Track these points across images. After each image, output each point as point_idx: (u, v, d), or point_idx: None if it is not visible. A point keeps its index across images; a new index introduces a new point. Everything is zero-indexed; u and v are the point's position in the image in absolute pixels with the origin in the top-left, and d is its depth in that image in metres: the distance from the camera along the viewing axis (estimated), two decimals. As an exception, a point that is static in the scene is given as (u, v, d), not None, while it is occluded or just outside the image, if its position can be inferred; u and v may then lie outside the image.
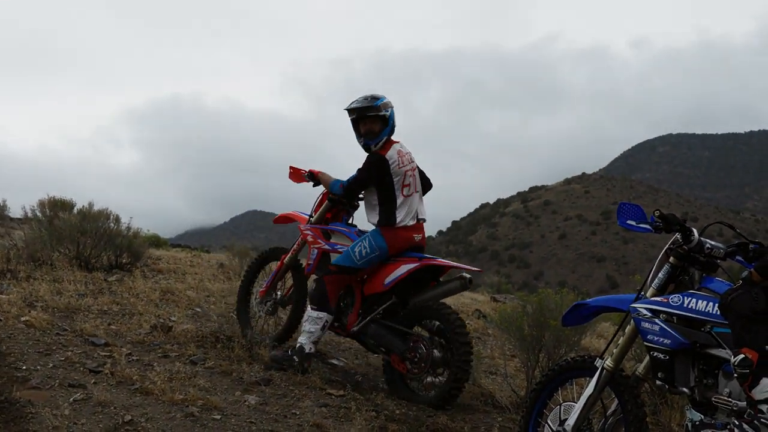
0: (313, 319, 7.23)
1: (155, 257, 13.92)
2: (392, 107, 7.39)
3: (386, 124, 7.34)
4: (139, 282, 10.47)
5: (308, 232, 7.89)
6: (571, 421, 4.87)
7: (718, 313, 4.38)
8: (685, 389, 4.50)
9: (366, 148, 7.42)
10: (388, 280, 7.17)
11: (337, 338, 9.10)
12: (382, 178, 7.20)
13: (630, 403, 4.73)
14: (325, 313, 7.24)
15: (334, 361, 8.00)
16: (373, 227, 7.33)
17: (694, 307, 4.54)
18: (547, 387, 5.19)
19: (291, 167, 8.18)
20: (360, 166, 7.35)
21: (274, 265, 8.44)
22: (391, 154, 7.25)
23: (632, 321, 4.79)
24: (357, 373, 7.73)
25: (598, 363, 4.88)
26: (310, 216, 8.05)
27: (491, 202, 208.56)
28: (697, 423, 4.41)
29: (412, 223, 7.32)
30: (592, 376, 4.90)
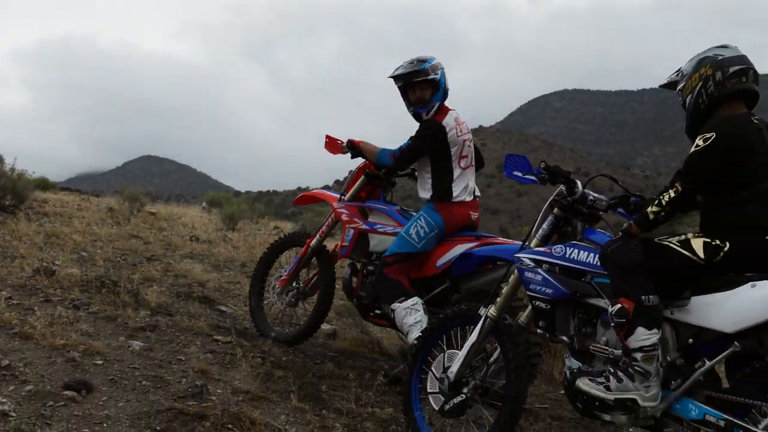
0: (408, 310, 6.21)
1: (41, 200, 13.59)
2: (442, 68, 6.63)
3: (437, 88, 6.57)
4: (23, 225, 10.22)
5: (343, 210, 7.02)
6: (454, 369, 4.92)
7: (599, 263, 4.47)
8: (564, 338, 4.59)
9: (416, 117, 6.66)
10: (440, 262, 6.35)
11: (226, 284, 9.05)
12: (438, 147, 6.46)
13: (512, 351, 4.79)
14: (414, 297, 6.28)
15: (223, 308, 7.95)
16: (426, 203, 6.58)
17: (575, 258, 4.62)
18: (432, 335, 5.22)
19: (327, 136, 7.19)
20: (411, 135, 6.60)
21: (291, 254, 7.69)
22: (448, 120, 6.52)
23: (516, 270, 4.85)
24: (245, 319, 7.69)
25: (482, 312, 4.93)
26: (342, 195, 7.15)
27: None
28: (575, 370, 4.50)
29: (468, 198, 6.60)
30: (476, 325, 4.95)
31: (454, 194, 6.47)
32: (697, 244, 4.20)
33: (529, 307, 4.83)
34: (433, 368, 5.09)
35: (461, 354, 4.93)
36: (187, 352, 6.15)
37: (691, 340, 4.19)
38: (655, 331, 4.15)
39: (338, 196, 7.19)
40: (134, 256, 9.69)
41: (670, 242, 4.28)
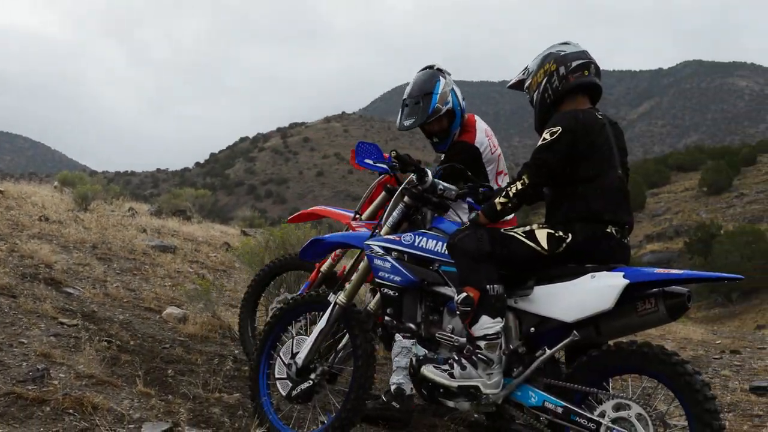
0: (408, 350, 5.40)
1: None
2: (451, 87, 5.91)
3: (453, 115, 5.88)
4: None
5: (363, 230, 5.65)
6: (302, 355, 4.92)
7: (446, 252, 4.54)
8: (411, 325, 4.63)
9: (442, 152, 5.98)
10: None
11: (75, 266, 8.83)
12: (476, 170, 5.60)
13: (360, 338, 4.82)
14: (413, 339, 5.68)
15: (70, 290, 7.73)
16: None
17: (424, 246, 4.68)
18: (281, 321, 5.20)
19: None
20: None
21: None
22: (480, 139, 5.88)
23: (365, 258, 4.88)
24: (93, 302, 7.51)
25: (332, 298, 4.94)
26: (357, 212, 6.26)
27: (251, 137, 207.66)
28: (421, 357, 4.56)
29: (510, 217, 5.42)
30: (325, 311, 4.96)
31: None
32: (542, 235, 4.31)
33: (378, 294, 4.87)
34: (281, 354, 5.08)
35: (309, 340, 4.93)
36: (30, 335, 5.97)
37: (533, 328, 4.29)
38: (498, 319, 4.24)
39: (351, 214, 6.36)
40: (-22, 235, 9.36)
41: (515, 233, 4.38)
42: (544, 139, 4.34)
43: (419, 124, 5.86)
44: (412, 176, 4.87)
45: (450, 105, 5.84)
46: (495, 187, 5.58)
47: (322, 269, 6.33)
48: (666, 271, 4.08)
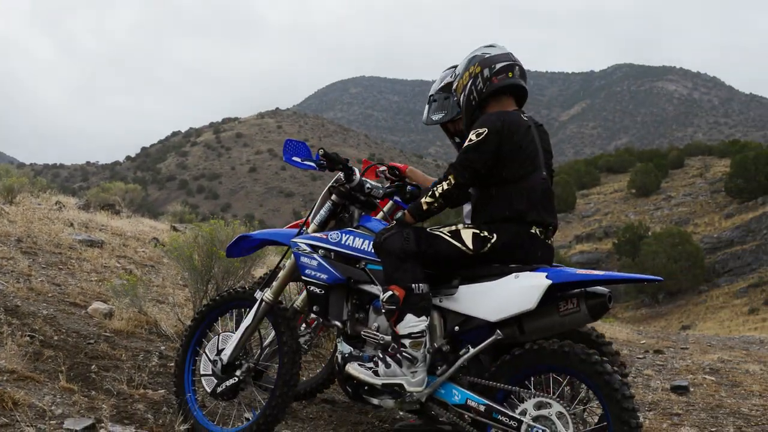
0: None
1: None
2: (464, 84, 5.14)
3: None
4: None
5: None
6: (228, 351, 4.91)
7: (373, 250, 4.58)
8: (337, 323, 4.66)
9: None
10: None
11: (-1, 260, 8.68)
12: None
13: (286, 335, 4.82)
14: None
15: (-7, 285, 7.61)
16: None
17: (350, 244, 4.71)
18: (208, 317, 5.19)
19: (364, 161, 5.96)
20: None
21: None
22: None
23: (292, 255, 4.89)
24: (17, 297, 7.39)
25: (258, 295, 4.94)
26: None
27: (183, 131, 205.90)
28: (347, 355, 4.59)
29: None
30: (252, 308, 4.96)
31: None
32: (467, 235, 4.36)
33: (304, 292, 4.88)
34: (207, 350, 5.06)
35: (235, 337, 4.93)
36: (-52, 331, 5.86)
37: (457, 327, 4.34)
38: (423, 318, 4.28)
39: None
40: None
41: (441, 232, 4.42)
42: (470, 140, 4.40)
43: (450, 119, 5.89)
44: (340, 174, 4.89)
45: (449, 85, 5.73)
46: None
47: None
48: (588, 272, 4.16)
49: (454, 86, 4.81)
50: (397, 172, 5.52)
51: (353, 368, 4.49)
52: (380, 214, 5.69)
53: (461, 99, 4.72)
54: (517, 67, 4.66)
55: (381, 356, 4.41)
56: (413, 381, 4.30)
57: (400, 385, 4.31)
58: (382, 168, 5.75)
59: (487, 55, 4.65)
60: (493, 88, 4.60)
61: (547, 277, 4.08)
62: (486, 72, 4.60)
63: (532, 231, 4.39)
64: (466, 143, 4.43)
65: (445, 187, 4.42)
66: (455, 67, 5.81)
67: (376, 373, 4.39)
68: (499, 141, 4.37)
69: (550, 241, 4.52)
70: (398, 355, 4.32)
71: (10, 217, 11.88)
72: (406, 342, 4.29)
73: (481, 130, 4.39)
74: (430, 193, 4.47)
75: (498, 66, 4.60)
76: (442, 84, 5.92)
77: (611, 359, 4.81)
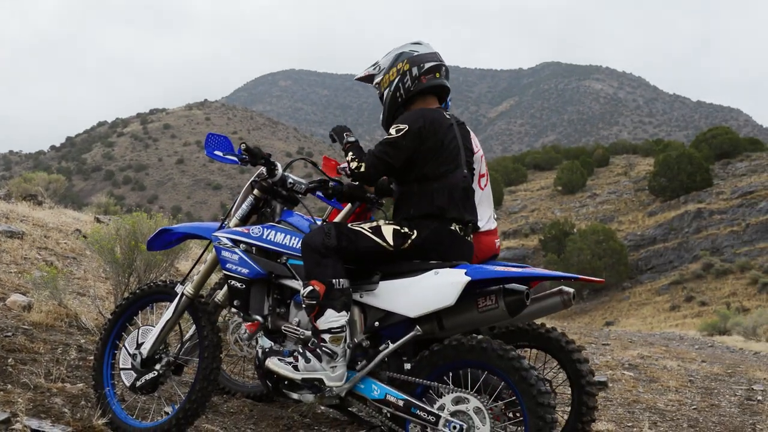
0: None
1: None
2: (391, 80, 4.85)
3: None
4: None
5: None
6: (147, 345, 4.88)
7: (293, 245, 4.59)
8: (258, 317, 4.66)
9: None
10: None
11: None
12: None
13: (206, 329, 4.81)
14: None
15: None
16: None
17: (272, 239, 4.71)
18: (127, 310, 5.15)
19: (324, 157, 5.87)
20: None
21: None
22: None
23: (214, 249, 4.88)
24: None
25: (179, 289, 4.92)
26: (324, 220, 5.28)
27: (109, 121, 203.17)
28: (267, 350, 4.59)
29: (493, 226, 5.56)
30: (172, 301, 4.94)
31: (480, 223, 5.22)
32: (387, 231, 4.40)
33: (226, 286, 4.87)
34: (126, 344, 5.03)
35: (155, 330, 4.90)
36: None
37: (377, 323, 4.37)
38: (344, 313, 4.31)
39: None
40: None
41: (362, 228, 4.45)
42: (390, 134, 4.47)
43: (359, 79, 5.71)
44: (262, 169, 4.89)
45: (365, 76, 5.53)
46: (476, 187, 5.21)
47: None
48: (506, 269, 4.22)
49: (378, 80, 4.84)
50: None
51: (273, 363, 4.50)
52: (339, 216, 5.71)
53: (385, 93, 4.77)
54: (443, 68, 4.75)
55: (301, 351, 4.42)
56: (333, 376, 4.32)
57: (320, 380, 4.33)
58: (343, 165, 5.65)
59: (416, 54, 4.71)
60: (420, 87, 4.67)
61: (466, 273, 4.13)
62: (415, 71, 4.66)
63: (452, 228, 4.45)
64: (385, 136, 4.49)
65: (353, 167, 4.52)
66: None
67: (295, 368, 4.40)
68: (420, 138, 4.43)
69: (469, 238, 4.58)
70: (318, 350, 4.33)
71: (-74, 207, 11.64)
72: (326, 337, 4.31)
73: (401, 127, 4.45)
74: (348, 163, 4.61)
75: (427, 65, 4.67)
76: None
77: (582, 366, 4.92)
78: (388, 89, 4.75)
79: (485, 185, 5.64)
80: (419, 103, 4.69)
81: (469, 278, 4.11)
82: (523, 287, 4.23)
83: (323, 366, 4.32)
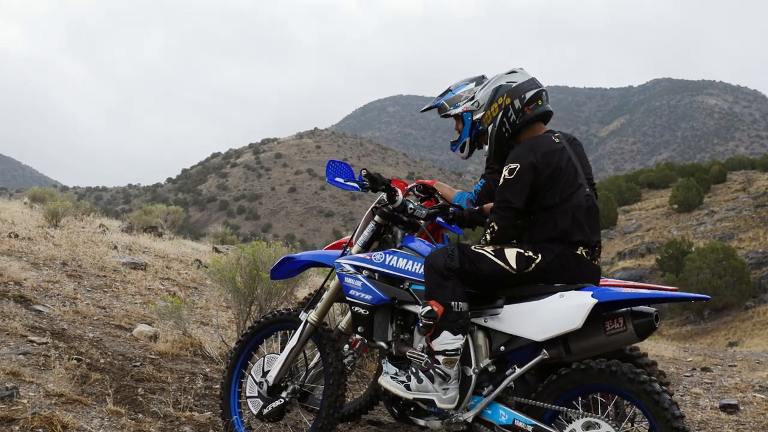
0: None
1: None
2: (470, 99, 5.43)
3: (463, 122, 5.74)
4: None
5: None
6: (273, 373, 4.93)
7: (416, 271, 4.58)
8: (382, 343, 4.66)
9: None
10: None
11: (45, 283, 8.78)
12: None
13: (331, 356, 4.84)
14: None
15: (40, 308, 7.69)
16: None
17: (394, 265, 4.70)
18: (253, 339, 5.22)
19: (393, 180, 5.43)
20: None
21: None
22: None
23: (336, 276, 4.90)
24: (63, 320, 7.47)
25: (303, 316, 4.96)
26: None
27: (222, 152, 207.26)
28: (392, 375, 4.58)
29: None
30: (296, 329, 4.97)
31: None
32: (511, 254, 4.35)
33: (349, 313, 4.88)
34: (252, 372, 5.09)
35: (281, 358, 4.95)
36: (-1, 354, 5.93)
37: (502, 347, 4.32)
38: (459, 336, 4.28)
39: None
40: (-53, 252, 9.30)
41: (485, 251, 4.41)
42: (504, 177, 4.42)
43: (424, 110, 6.06)
44: (383, 195, 4.90)
45: (456, 111, 5.77)
46: None
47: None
48: (634, 290, 4.13)
49: (479, 116, 4.76)
50: (429, 189, 5.74)
51: (385, 381, 4.50)
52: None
53: (489, 129, 4.69)
54: (544, 93, 4.65)
55: (414, 371, 4.41)
56: (444, 398, 4.30)
57: (431, 401, 4.32)
58: (412, 185, 5.85)
59: (514, 85, 4.63)
60: (526, 119, 4.60)
61: (592, 296, 4.05)
62: (517, 103, 4.58)
63: (578, 252, 4.37)
64: (501, 181, 4.44)
65: (491, 235, 4.48)
66: (444, 93, 5.96)
67: (407, 387, 4.39)
68: (534, 173, 4.38)
69: (596, 262, 4.49)
70: (431, 371, 4.32)
71: (55, 241, 12.02)
72: (440, 358, 4.29)
73: (513, 166, 4.40)
74: (484, 240, 4.50)
75: (528, 95, 4.59)
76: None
77: (649, 370, 4.78)
78: (492, 125, 4.68)
79: None
80: (526, 133, 4.61)
81: (595, 300, 4.03)
82: (652, 309, 4.12)
83: (435, 387, 4.31)
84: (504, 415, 4.24)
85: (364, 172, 4.87)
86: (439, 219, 5.03)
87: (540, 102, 4.62)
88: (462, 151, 5.81)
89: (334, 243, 6.54)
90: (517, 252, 4.36)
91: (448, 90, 5.96)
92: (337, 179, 4.95)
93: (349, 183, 4.92)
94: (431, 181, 5.96)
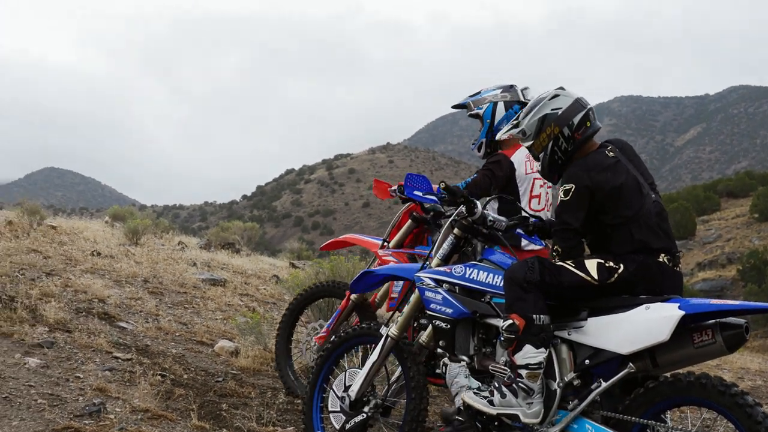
0: (461, 369, 5.07)
1: (-64, 213, 13.19)
2: (496, 101, 6.12)
3: (483, 123, 6.17)
4: None
5: (390, 258, 6.20)
6: (355, 387, 4.94)
7: (497, 284, 4.55)
8: (464, 357, 4.63)
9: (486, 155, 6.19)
10: None
11: (128, 300, 8.92)
12: (504, 183, 5.87)
13: (412, 370, 4.83)
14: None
15: (123, 324, 7.81)
16: (493, 248, 5.45)
17: (475, 278, 4.68)
18: (334, 353, 5.23)
19: (375, 180, 6.69)
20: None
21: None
22: (518, 157, 5.94)
23: (416, 290, 4.89)
24: (146, 336, 7.58)
25: (383, 330, 4.96)
26: (385, 240, 6.50)
27: (296, 168, 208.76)
28: (475, 390, 4.55)
29: (538, 247, 5.79)
30: (377, 344, 4.97)
31: (523, 242, 5.72)
32: (591, 265, 4.31)
33: (430, 327, 4.87)
34: (334, 387, 5.10)
35: (362, 373, 4.95)
36: (86, 370, 6.04)
37: (587, 360, 4.26)
38: (542, 350, 4.24)
39: (379, 241, 6.63)
40: (33, 271, 9.46)
41: (565, 262, 4.37)
42: (561, 199, 4.42)
43: (454, 106, 6.41)
44: (462, 208, 4.88)
45: (479, 111, 6.14)
46: (525, 206, 5.82)
47: (352, 297, 6.36)
48: (722, 302, 4.04)
49: (529, 144, 4.69)
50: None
51: (468, 396, 4.48)
52: (398, 235, 6.20)
53: (542, 157, 4.66)
54: (591, 113, 4.59)
55: (497, 386, 4.37)
56: (529, 412, 4.26)
57: (515, 416, 4.29)
58: (394, 187, 6.22)
59: (560, 112, 4.56)
60: (578, 144, 4.56)
61: (679, 307, 3.98)
62: (566, 131, 4.53)
63: (660, 260, 4.31)
64: (558, 203, 4.42)
65: (557, 257, 4.45)
66: (474, 94, 6.25)
67: (491, 403, 4.37)
68: (590, 193, 4.35)
69: (678, 269, 4.42)
70: (514, 385, 4.29)
71: (136, 258, 12.20)
72: (523, 372, 4.25)
73: (568, 187, 4.39)
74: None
75: (576, 121, 4.53)
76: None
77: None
78: (543, 153, 4.63)
79: (538, 208, 5.90)
80: (579, 154, 4.57)
81: (682, 312, 3.96)
82: (741, 321, 4.03)
83: (519, 402, 4.27)
84: (590, 429, 4.18)
85: (442, 185, 4.86)
86: (519, 230, 5.00)
87: (589, 123, 4.55)
88: (479, 150, 6.21)
89: (332, 241, 7.19)
90: (598, 263, 4.31)
91: (478, 92, 6.25)
92: (416, 192, 4.96)
93: (427, 196, 4.92)
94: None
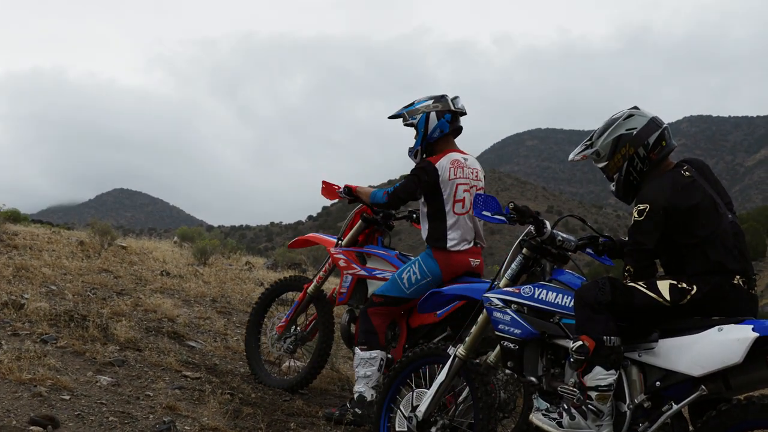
0: (365, 361, 6.20)
1: (11, 233, 13.46)
2: (427, 112, 6.32)
3: (417, 132, 6.35)
4: (-9, 257, 10.11)
5: (340, 256, 6.86)
6: (422, 408, 4.93)
7: (566, 304, 4.52)
8: (533, 378, 4.60)
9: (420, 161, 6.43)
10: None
11: (197, 319, 9.01)
12: (429, 188, 6.22)
13: (480, 391, 4.82)
14: (377, 351, 6.21)
15: (192, 343, 7.90)
16: (426, 248, 6.35)
17: (544, 298, 4.65)
18: (401, 374, 5.24)
19: (323, 182, 7.06)
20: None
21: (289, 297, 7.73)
22: (442, 162, 6.22)
23: (485, 310, 4.87)
24: (215, 355, 7.66)
25: (451, 351, 4.95)
26: (339, 239, 7.08)
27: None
28: (543, 411, 4.52)
29: (466, 247, 6.26)
30: (444, 364, 4.96)
31: (449, 243, 6.16)
32: (663, 286, 4.25)
33: (498, 347, 4.85)
34: (401, 407, 5.10)
35: (429, 393, 4.95)
36: (156, 388, 6.12)
37: (658, 382, 4.21)
38: (612, 372, 4.19)
39: (335, 240, 7.11)
40: (104, 290, 9.62)
41: (637, 283, 4.32)
42: (635, 219, 4.37)
43: (390, 117, 6.60)
44: (530, 228, 4.86)
45: (413, 121, 6.35)
46: (448, 213, 6.22)
47: (308, 290, 7.19)
48: None
49: (603, 165, 4.65)
50: (353, 192, 6.78)
51: (537, 418, 4.46)
52: (349, 235, 6.96)
53: (616, 178, 4.63)
54: (666, 132, 4.54)
55: (566, 408, 4.33)
56: None
57: None
58: (340, 189, 6.87)
59: (635, 132, 4.52)
60: (654, 165, 4.52)
61: (753, 329, 3.92)
62: (641, 151, 4.50)
63: (735, 281, 4.24)
64: (631, 223, 4.38)
65: (629, 277, 4.41)
66: (408, 105, 6.48)
67: (560, 425, 4.33)
68: (665, 214, 4.29)
69: (753, 291, 4.34)
70: (583, 407, 4.24)
71: (204, 278, 12.32)
72: (593, 394, 4.21)
73: (642, 207, 4.34)
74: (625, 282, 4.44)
75: (651, 140, 4.50)
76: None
77: None
78: (618, 174, 4.60)
79: (462, 212, 6.25)
80: (654, 173, 4.52)
81: (756, 335, 3.89)
82: None
83: (588, 424, 4.23)
84: (661, 452, 4.13)
85: (511, 205, 4.84)
86: (589, 250, 4.96)
87: (664, 143, 4.51)
88: (416, 157, 6.43)
89: (297, 239, 7.86)
90: (671, 284, 4.26)
91: (412, 103, 6.47)
92: (485, 212, 4.95)
93: (496, 216, 4.91)
94: (354, 185, 6.83)
